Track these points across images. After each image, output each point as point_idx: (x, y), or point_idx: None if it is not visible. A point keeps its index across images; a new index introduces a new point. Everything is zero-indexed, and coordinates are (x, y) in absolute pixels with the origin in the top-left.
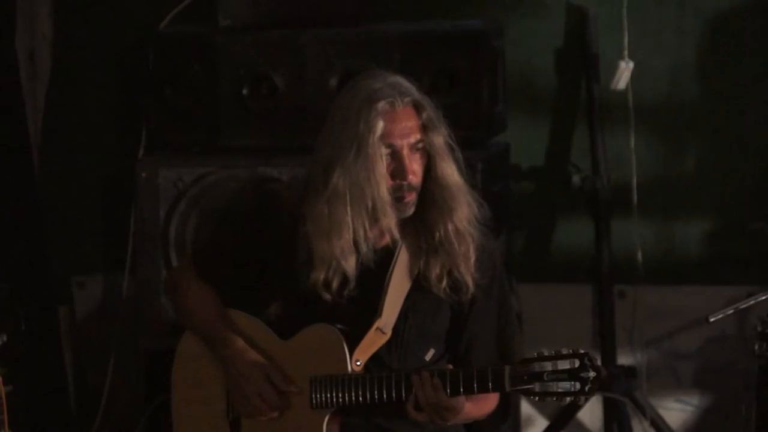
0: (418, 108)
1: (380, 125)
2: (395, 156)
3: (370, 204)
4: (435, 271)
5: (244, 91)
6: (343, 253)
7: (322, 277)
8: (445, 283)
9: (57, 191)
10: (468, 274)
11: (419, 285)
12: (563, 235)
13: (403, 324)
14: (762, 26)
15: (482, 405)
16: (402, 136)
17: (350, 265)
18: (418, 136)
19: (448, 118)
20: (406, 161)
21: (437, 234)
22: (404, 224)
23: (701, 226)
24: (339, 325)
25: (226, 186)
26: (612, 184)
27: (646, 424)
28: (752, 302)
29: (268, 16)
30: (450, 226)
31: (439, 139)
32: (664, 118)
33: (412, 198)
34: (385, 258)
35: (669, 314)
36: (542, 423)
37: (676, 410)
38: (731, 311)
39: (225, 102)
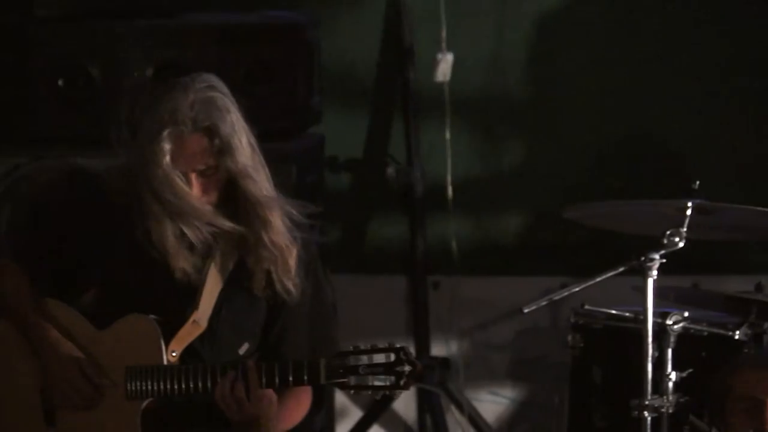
0: (211, 134)
1: (168, 151)
2: (187, 179)
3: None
4: (249, 270)
5: (60, 82)
6: (165, 247)
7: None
8: (258, 282)
9: None
10: (287, 278)
11: (235, 281)
12: (378, 226)
13: (217, 317)
14: (581, 21)
15: (291, 415)
16: (189, 163)
17: (173, 257)
18: (210, 162)
19: (263, 110)
20: (194, 188)
21: (251, 242)
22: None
23: (516, 218)
24: (155, 316)
25: (39, 177)
26: (429, 175)
27: (460, 415)
28: (566, 293)
29: (85, 7)
30: (265, 237)
31: (239, 161)
32: (480, 111)
33: None
34: (204, 253)
35: (483, 305)
36: (356, 414)
37: (489, 401)
38: (545, 302)
39: (40, 92)
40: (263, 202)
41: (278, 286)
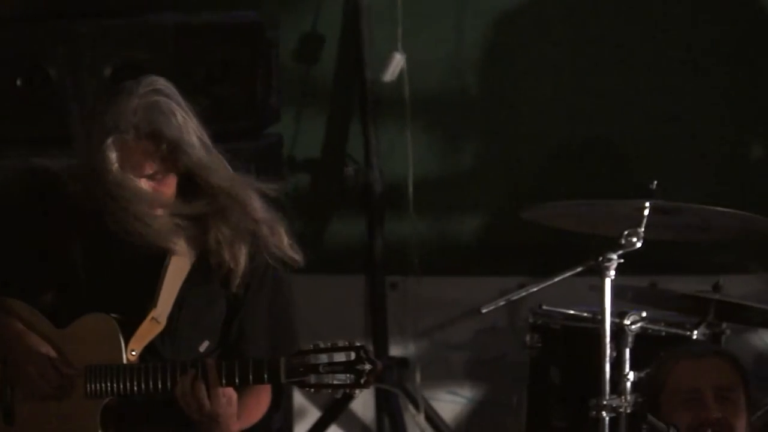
0: (156, 139)
1: (114, 159)
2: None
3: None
4: (211, 264)
5: (18, 82)
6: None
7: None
8: (220, 276)
9: None
10: (282, 247)
11: (195, 277)
12: (337, 226)
13: (177, 314)
14: (539, 22)
15: (250, 413)
16: (135, 170)
17: (126, 255)
18: (157, 167)
19: (222, 110)
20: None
21: (214, 231)
22: (182, 218)
23: (475, 218)
24: (115, 315)
25: None
26: (387, 175)
27: (418, 415)
28: (524, 293)
29: (43, 6)
30: (248, 216)
31: (192, 155)
32: (439, 111)
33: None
34: (161, 250)
35: (442, 305)
36: (315, 414)
37: (448, 401)
38: (503, 302)
39: None
40: (232, 186)
41: (277, 254)
